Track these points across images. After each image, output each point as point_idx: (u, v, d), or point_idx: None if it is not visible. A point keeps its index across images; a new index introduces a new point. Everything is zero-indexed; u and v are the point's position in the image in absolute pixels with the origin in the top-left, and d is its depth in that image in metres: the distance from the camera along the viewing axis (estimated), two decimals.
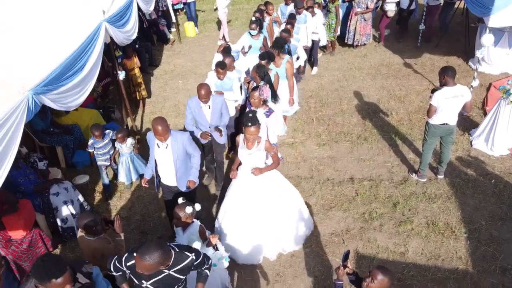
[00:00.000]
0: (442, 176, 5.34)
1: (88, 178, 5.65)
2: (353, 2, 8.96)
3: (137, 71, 7.35)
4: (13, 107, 3.18)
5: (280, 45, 5.94)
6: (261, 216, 4.14)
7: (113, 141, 5.34)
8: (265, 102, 4.80)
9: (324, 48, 9.44)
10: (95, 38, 4.91)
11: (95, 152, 5.18)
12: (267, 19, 7.97)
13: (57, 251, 4.54)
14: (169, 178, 4.17)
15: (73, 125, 6.09)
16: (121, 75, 5.99)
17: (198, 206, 3.60)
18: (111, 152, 5.28)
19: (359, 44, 9.39)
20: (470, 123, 6.52)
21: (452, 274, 4.02)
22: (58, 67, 4.00)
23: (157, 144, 3.91)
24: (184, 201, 3.56)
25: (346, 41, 9.37)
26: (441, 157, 5.24)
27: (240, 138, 4.11)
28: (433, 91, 5.03)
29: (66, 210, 4.50)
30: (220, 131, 4.85)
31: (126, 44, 7.21)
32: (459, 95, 4.62)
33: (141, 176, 5.28)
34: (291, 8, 8.31)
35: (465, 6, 7.65)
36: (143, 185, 4.22)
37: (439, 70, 4.79)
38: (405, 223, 4.63)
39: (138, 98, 7.51)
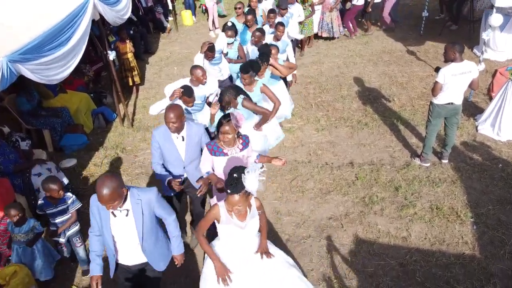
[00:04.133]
0: (447, 161, 5.08)
1: (76, 162, 5.41)
2: None
3: (130, 55, 7.10)
4: None
5: (267, 56, 4.84)
6: None
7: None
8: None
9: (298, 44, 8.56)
10: (82, 12, 4.68)
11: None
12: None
13: None
14: (130, 255, 2.87)
15: (61, 107, 5.85)
16: (111, 55, 5.76)
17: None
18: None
19: (338, 36, 9.03)
20: (475, 109, 6.26)
21: (458, 259, 3.76)
22: (39, 37, 3.78)
23: (112, 212, 2.67)
24: None
25: (321, 35, 8.87)
26: (446, 140, 4.98)
27: (221, 210, 2.77)
28: (437, 69, 4.78)
29: None
30: (205, 182, 3.39)
31: (120, 27, 7.06)
32: (467, 71, 4.36)
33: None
34: (265, 6, 7.48)
35: None
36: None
37: (446, 46, 4.52)
38: (408, 207, 4.37)
39: (130, 84, 7.26)
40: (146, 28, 9.60)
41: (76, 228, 3.71)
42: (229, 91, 4.06)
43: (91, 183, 5.09)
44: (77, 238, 3.73)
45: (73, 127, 5.86)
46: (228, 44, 5.72)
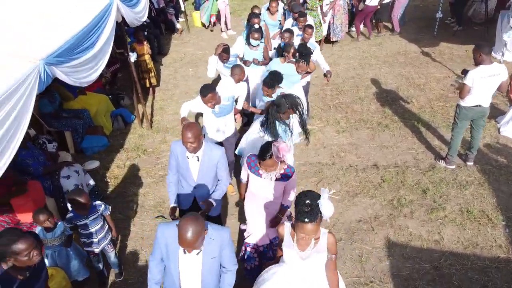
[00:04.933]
0: (472, 163, 5.06)
1: (99, 164, 5.38)
2: None
3: (147, 57, 7.08)
4: (25, 73, 2.93)
5: (307, 54, 4.86)
6: None
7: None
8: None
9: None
10: (107, 15, 4.67)
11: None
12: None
13: None
14: None
15: (82, 109, 5.82)
16: (133, 57, 5.73)
17: None
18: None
19: (342, 37, 8.97)
20: (494, 110, 6.24)
21: (493, 263, 3.74)
22: (70, 39, 3.76)
23: (183, 250, 2.43)
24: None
25: (331, 39, 8.78)
26: (471, 143, 4.96)
27: (285, 230, 2.65)
28: (464, 71, 4.76)
29: None
30: (209, 204, 3.25)
31: (137, 29, 7.04)
32: (496, 74, 4.34)
33: None
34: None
35: None
36: None
37: (474, 48, 4.51)
38: (437, 210, 4.35)
39: (147, 86, 7.23)
40: (158, 29, 9.57)
41: (110, 236, 3.64)
42: (288, 102, 3.80)
43: (115, 186, 5.07)
44: (109, 245, 3.66)
45: (93, 129, 5.84)
46: (253, 46, 5.66)
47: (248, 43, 5.66)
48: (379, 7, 8.98)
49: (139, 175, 5.20)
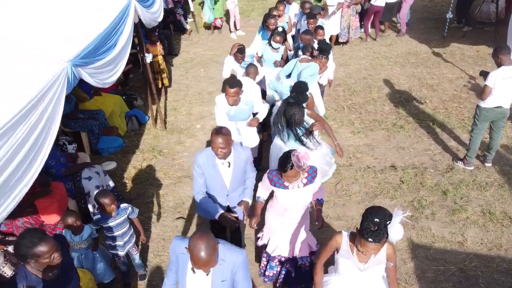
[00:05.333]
0: (490, 164, 5.05)
1: (116, 165, 5.37)
2: None
3: (160, 58, 7.09)
4: (55, 75, 2.92)
5: (326, 49, 5.02)
6: None
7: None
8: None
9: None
10: (126, 15, 4.67)
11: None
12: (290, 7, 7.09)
13: None
14: None
15: (97, 110, 5.81)
16: (148, 57, 5.73)
17: None
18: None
19: (352, 39, 8.90)
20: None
21: None
22: (93, 41, 3.74)
23: (192, 269, 2.28)
24: None
25: (339, 40, 8.76)
26: (490, 144, 4.95)
27: (343, 239, 2.55)
28: (482, 73, 4.75)
29: None
30: (247, 205, 3.23)
31: (150, 30, 7.03)
32: None
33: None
34: (294, 9, 7.40)
35: None
36: None
37: (493, 51, 4.51)
38: (459, 212, 4.34)
39: (159, 86, 7.23)
40: (168, 30, 9.57)
41: (134, 239, 3.62)
42: (297, 112, 3.73)
43: (133, 187, 5.06)
44: (134, 248, 3.65)
45: (109, 130, 5.83)
46: (274, 48, 5.63)
47: (270, 44, 5.61)
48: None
49: (157, 176, 5.19)
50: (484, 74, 4.69)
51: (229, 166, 3.09)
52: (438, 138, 5.77)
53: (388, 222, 2.24)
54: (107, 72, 4.07)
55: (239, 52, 5.16)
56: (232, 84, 3.84)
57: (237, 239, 3.69)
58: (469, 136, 5.57)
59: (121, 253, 3.52)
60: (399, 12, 9.36)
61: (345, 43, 8.96)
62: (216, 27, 10.19)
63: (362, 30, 9.29)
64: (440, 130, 5.94)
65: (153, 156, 5.59)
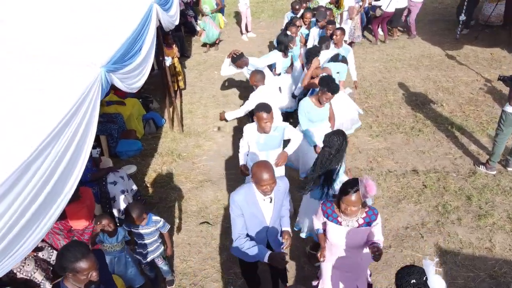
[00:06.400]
0: None
1: (136, 169, 5.36)
2: None
3: (175, 60, 7.07)
4: (91, 82, 2.90)
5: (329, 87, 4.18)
6: None
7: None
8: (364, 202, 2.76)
9: None
10: (149, 20, 4.67)
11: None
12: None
13: None
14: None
15: (116, 113, 5.81)
16: (168, 61, 5.73)
17: None
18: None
19: (359, 41, 8.82)
20: None
21: None
22: (121, 47, 3.73)
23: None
24: None
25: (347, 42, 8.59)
26: None
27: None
28: (502, 78, 4.74)
29: (124, 200, 4.21)
30: (289, 235, 2.95)
31: (165, 33, 7.02)
32: None
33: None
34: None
35: None
36: None
37: None
38: (485, 217, 4.32)
39: (175, 89, 7.21)
40: (180, 31, 9.55)
41: (160, 250, 3.59)
42: (337, 137, 3.25)
43: (155, 191, 5.04)
44: (159, 259, 3.63)
45: (127, 133, 5.82)
46: (286, 54, 5.65)
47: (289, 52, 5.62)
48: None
49: (178, 180, 5.17)
50: (504, 80, 4.68)
51: (270, 202, 2.83)
52: (457, 141, 5.75)
53: (425, 279, 2.14)
54: (135, 77, 4.06)
55: (233, 61, 5.20)
56: (267, 108, 3.43)
57: (282, 277, 3.46)
58: (489, 140, 5.59)
59: (144, 260, 3.52)
60: (409, 16, 9.34)
61: (350, 43, 8.90)
62: (211, 45, 9.44)
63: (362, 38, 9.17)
64: (459, 133, 5.91)
65: (173, 160, 5.58)
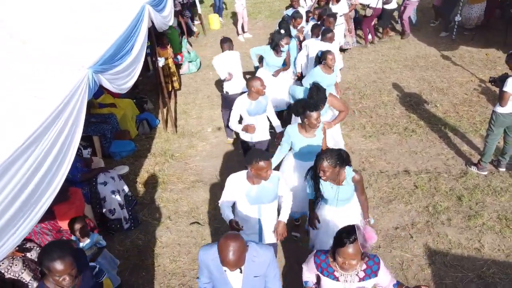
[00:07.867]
0: (504, 169, 5.03)
1: (128, 169, 5.38)
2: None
3: (170, 61, 7.09)
4: (78, 82, 2.91)
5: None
6: None
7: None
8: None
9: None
10: (140, 20, 4.68)
11: None
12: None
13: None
14: None
15: (109, 114, 5.83)
16: (161, 61, 5.74)
17: None
18: None
19: (350, 47, 8.68)
20: None
21: None
22: (111, 47, 3.74)
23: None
24: None
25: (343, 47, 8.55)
26: (505, 149, 4.93)
27: None
28: (493, 79, 4.75)
29: (114, 201, 4.22)
30: None
31: (160, 33, 7.04)
32: None
33: None
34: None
35: None
36: None
37: (507, 56, 4.51)
38: (475, 217, 4.32)
39: (169, 90, 7.23)
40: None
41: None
42: (336, 156, 2.97)
43: (147, 191, 5.06)
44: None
45: (121, 133, 5.84)
46: (280, 52, 5.66)
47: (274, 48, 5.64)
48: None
49: (170, 180, 5.19)
50: (495, 81, 4.70)
51: (240, 272, 2.40)
52: (450, 142, 5.75)
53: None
54: (124, 78, 4.07)
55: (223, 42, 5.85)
56: (264, 155, 2.93)
57: None
58: (481, 140, 5.59)
59: None
60: (403, 14, 9.31)
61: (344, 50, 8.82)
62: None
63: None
64: (452, 134, 5.92)
65: (165, 160, 5.59)
